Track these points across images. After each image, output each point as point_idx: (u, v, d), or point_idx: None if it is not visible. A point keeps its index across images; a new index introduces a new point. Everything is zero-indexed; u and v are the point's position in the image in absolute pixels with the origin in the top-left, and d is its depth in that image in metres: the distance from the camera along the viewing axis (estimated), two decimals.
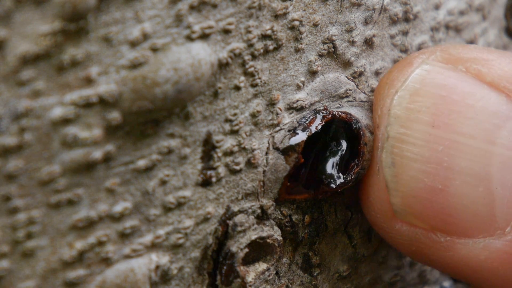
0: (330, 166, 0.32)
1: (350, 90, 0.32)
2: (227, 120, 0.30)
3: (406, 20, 0.33)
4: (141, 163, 0.28)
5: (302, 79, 0.31)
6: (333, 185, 0.31)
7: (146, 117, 0.28)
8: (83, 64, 0.26)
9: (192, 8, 0.28)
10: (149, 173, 0.28)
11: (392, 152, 0.31)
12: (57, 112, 0.26)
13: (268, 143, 0.31)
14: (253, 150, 0.30)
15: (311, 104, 0.31)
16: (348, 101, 0.32)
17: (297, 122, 0.31)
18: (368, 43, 0.32)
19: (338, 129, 0.32)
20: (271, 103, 0.30)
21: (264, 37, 0.30)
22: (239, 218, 0.30)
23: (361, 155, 0.31)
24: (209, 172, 0.29)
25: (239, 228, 0.30)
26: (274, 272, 0.31)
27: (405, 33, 0.33)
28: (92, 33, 0.26)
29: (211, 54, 0.28)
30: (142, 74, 0.27)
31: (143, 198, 0.28)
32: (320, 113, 0.31)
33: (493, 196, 0.30)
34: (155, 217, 0.29)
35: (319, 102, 0.31)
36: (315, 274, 0.33)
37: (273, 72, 0.30)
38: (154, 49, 0.27)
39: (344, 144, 0.32)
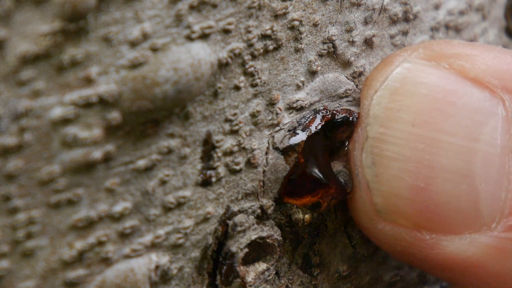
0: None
1: (349, 90, 0.32)
2: (227, 120, 0.30)
3: (406, 20, 0.33)
4: (141, 163, 0.28)
5: (302, 79, 0.31)
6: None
7: (146, 117, 0.28)
8: (83, 64, 0.26)
9: (192, 8, 0.28)
10: (149, 173, 0.28)
11: (372, 152, 0.31)
12: (57, 112, 0.26)
13: (268, 143, 0.31)
14: (253, 150, 0.30)
15: (311, 104, 0.31)
16: (348, 101, 0.32)
17: (297, 122, 0.31)
18: (368, 43, 0.32)
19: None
20: (271, 103, 0.30)
21: (264, 37, 0.30)
22: (239, 218, 0.30)
23: None
24: (209, 172, 0.29)
25: (239, 228, 0.30)
26: (274, 272, 0.31)
27: (405, 33, 0.33)
28: (92, 33, 0.26)
29: (211, 54, 0.28)
30: (142, 74, 0.27)
31: (143, 198, 0.28)
32: (320, 113, 0.31)
33: (477, 193, 0.30)
34: (155, 217, 0.29)
35: (319, 102, 0.31)
36: (315, 274, 0.33)
37: (273, 72, 0.30)
38: (154, 49, 0.27)
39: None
